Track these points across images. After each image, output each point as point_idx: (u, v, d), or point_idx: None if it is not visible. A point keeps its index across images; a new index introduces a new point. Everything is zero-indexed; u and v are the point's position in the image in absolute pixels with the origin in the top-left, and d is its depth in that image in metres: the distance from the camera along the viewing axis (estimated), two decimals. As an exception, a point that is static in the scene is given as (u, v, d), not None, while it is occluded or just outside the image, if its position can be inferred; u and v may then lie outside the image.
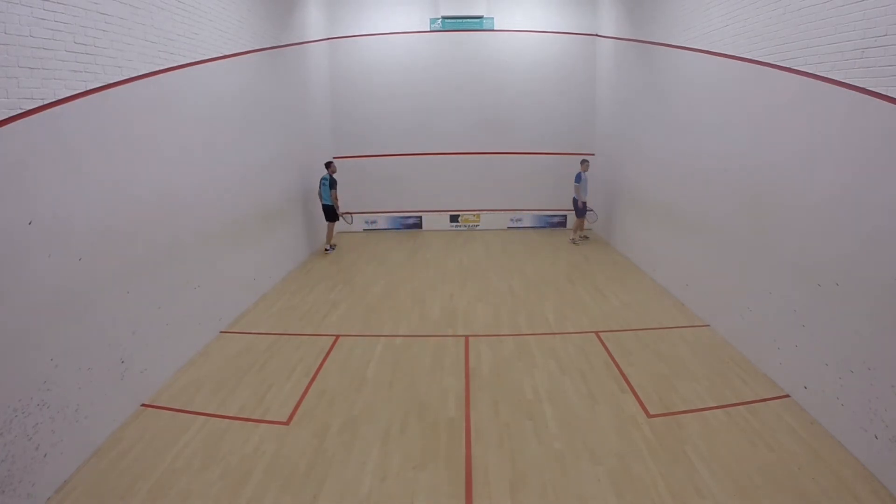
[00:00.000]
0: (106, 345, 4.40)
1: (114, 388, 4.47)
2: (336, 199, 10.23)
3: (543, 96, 11.93)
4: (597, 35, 11.56)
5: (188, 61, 5.75)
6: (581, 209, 10.72)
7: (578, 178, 10.59)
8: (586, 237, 11.19)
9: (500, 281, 8.51)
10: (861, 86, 4.00)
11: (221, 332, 6.48)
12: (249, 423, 4.59)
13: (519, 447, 4.21)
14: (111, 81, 4.47)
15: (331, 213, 10.32)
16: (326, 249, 10.42)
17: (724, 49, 6.11)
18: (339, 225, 11.38)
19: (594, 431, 4.40)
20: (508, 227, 12.36)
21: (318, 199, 10.34)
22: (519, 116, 12.00)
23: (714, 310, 6.43)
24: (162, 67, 5.25)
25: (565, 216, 12.21)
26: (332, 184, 10.14)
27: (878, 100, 3.84)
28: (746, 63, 5.62)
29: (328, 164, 10.31)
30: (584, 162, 10.60)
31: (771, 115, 5.22)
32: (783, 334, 4.98)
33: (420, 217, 12.33)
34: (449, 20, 11.70)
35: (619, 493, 3.69)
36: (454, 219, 12.40)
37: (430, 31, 11.78)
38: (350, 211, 11.19)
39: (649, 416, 4.61)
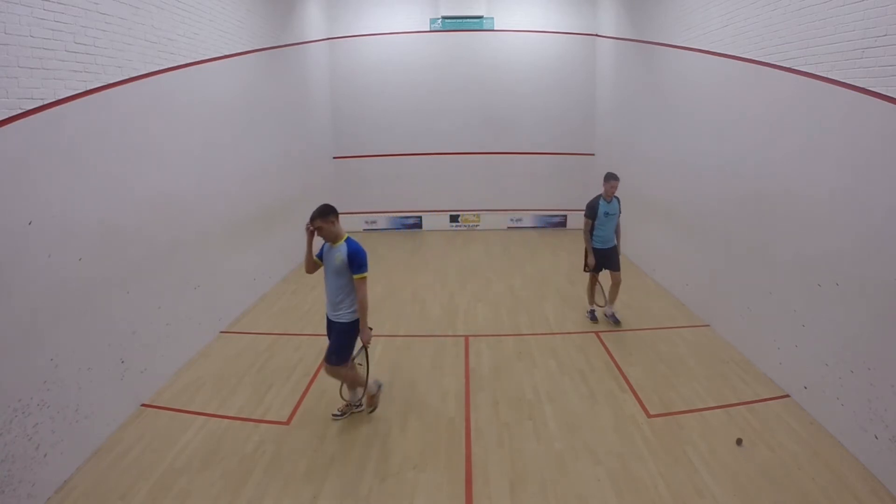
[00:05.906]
0: (106, 345, 4.40)
1: (114, 388, 4.46)
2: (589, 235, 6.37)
3: (543, 96, 11.92)
4: (597, 35, 11.56)
5: (188, 61, 5.75)
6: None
7: None
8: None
9: (500, 281, 8.50)
10: (861, 86, 3.99)
11: (221, 332, 6.48)
12: (249, 423, 4.59)
13: (519, 447, 4.21)
14: (111, 81, 4.47)
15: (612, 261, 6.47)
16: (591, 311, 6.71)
17: (724, 49, 6.11)
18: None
19: (594, 431, 4.40)
20: (508, 228, 12.34)
21: (586, 240, 6.38)
22: (519, 116, 12.00)
23: (714, 310, 6.43)
24: (162, 67, 5.25)
25: (565, 216, 12.19)
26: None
27: (877, 99, 3.84)
28: (746, 63, 5.61)
29: (611, 177, 6.25)
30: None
31: (771, 114, 5.22)
32: (783, 334, 4.98)
33: (420, 217, 12.32)
34: (449, 20, 11.69)
35: (619, 493, 3.69)
36: (454, 219, 12.39)
37: (430, 31, 11.77)
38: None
39: (649, 416, 4.61)
